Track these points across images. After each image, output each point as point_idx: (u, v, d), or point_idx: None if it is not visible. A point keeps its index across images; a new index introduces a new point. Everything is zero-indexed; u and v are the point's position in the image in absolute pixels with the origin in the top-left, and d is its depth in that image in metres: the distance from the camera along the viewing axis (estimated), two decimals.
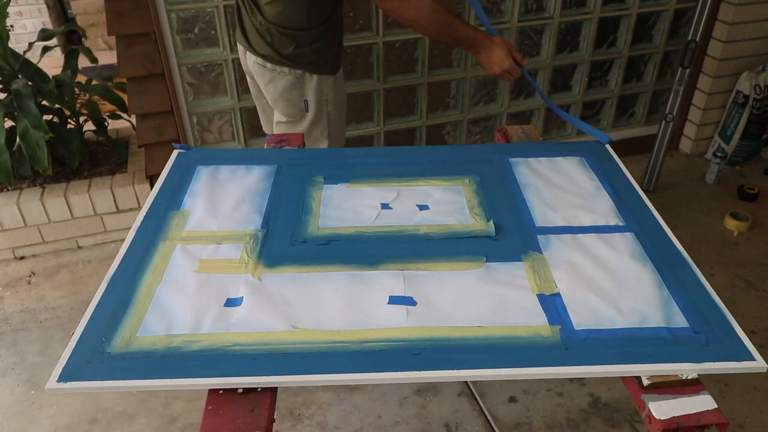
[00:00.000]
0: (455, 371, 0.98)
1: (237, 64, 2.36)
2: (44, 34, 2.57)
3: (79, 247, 2.50)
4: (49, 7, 4.70)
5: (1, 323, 2.12)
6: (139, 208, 2.28)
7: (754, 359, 1.00)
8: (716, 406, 0.94)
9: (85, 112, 2.62)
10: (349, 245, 1.25)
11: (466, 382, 1.87)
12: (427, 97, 2.66)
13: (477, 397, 1.83)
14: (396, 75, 2.58)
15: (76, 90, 2.57)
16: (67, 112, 2.59)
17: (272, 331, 1.05)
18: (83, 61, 2.72)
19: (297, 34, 1.63)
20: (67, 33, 4.47)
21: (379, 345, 1.02)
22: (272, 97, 1.77)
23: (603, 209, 1.36)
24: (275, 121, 1.84)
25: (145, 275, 1.17)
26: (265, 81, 1.74)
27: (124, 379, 0.96)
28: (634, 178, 1.49)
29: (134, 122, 2.53)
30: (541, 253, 1.23)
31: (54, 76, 2.48)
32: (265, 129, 2.08)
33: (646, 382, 0.97)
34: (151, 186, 2.48)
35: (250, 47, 1.71)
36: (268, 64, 1.69)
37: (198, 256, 1.22)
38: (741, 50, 2.88)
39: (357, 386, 1.86)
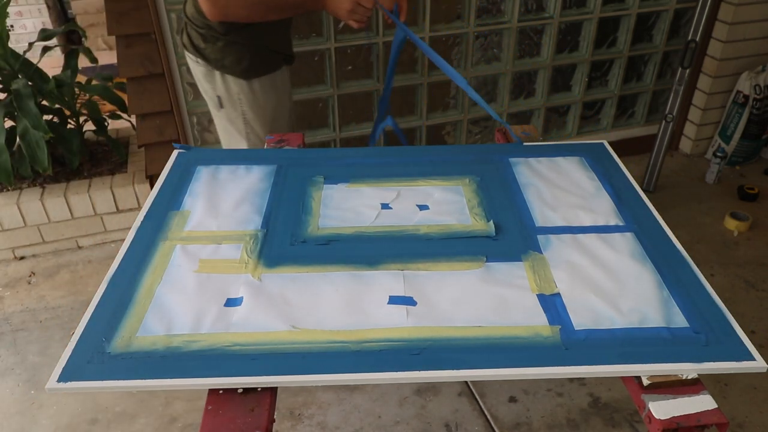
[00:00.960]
0: (455, 371, 0.98)
1: None
2: (44, 34, 2.57)
3: (79, 247, 2.50)
4: (49, 7, 4.70)
5: (1, 323, 2.12)
6: (139, 208, 2.28)
7: (754, 359, 1.00)
8: (716, 406, 0.94)
9: (85, 112, 2.62)
10: (349, 245, 1.25)
11: (466, 382, 1.87)
12: (427, 97, 2.66)
13: (477, 397, 1.83)
14: (396, 75, 2.58)
15: (76, 90, 2.57)
16: (67, 112, 2.59)
17: (272, 331, 1.05)
18: (83, 61, 2.72)
19: (201, 29, 1.65)
20: (67, 33, 4.48)
21: (379, 345, 1.02)
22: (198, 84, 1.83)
23: (603, 209, 1.36)
24: None
25: (145, 275, 1.17)
26: (191, 66, 1.79)
27: (124, 379, 0.96)
28: (634, 178, 1.49)
29: (134, 122, 2.53)
30: (541, 253, 1.23)
31: (54, 76, 2.48)
32: None
33: (646, 382, 0.97)
34: (151, 186, 2.48)
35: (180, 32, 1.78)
36: (186, 52, 1.75)
37: (198, 256, 1.22)
38: (741, 50, 2.87)
39: (357, 386, 1.86)
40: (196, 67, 1.74)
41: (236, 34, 1.64)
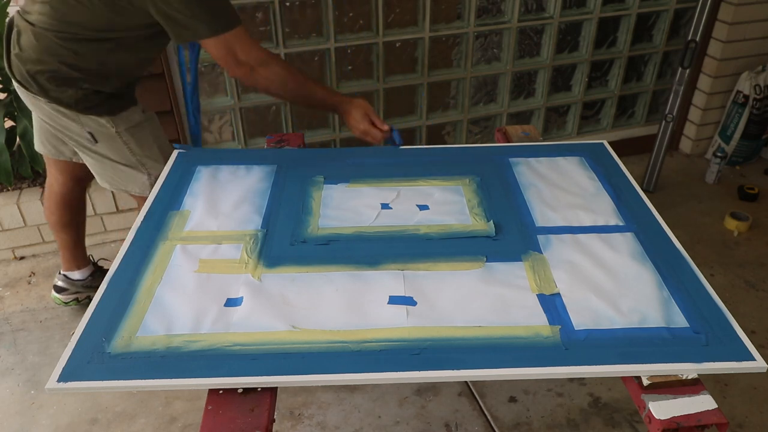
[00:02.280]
0: (455, 371, 0.98)
1: None
2: None
3: None
4: None
5: (1, 323, 2.12)
6: (139, 208, 2.28)
7: (754, 359, 1.00)
8: (716, 406, 0.94)
9: None
10: (349, 245, 1.25)
11: (466, 382, 1.87)
12: (427, 97, 2.66)
13: (477, 397, 1.83)
14: (396, 75, 2.58)
15: None
16: None
17: (272, 331, 1.05)
18: None
19: (54, 77, 1.52)
20: None
21: (379, 345, 1.02)
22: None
23: (603, 209, 1.37)
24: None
25: (145, 275, 1.17)
26: (43, 110, 1.63)
27: (124, 379, 0.96)
28: (634, 178, 1.49)
29: None
30: (541, 253, 1.23)
31: None
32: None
33: (646, 382, 0.97)
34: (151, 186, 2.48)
35: None
36: (37, 99, 1.60)
37: (198, 256, 1.22)
38: (741, 50, 2.87)
39: (357, 386, 1.86)
40: (52, 112, 1.58)
41: (93, 83, 1.54)
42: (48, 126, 1.67)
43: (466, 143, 2.86)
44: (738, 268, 2.37)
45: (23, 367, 1.95)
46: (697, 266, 1.20)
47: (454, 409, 1.80)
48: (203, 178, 1.48)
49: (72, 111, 1.57)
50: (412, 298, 1.11)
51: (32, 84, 1.54)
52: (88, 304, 1.12)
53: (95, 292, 1.14)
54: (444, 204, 1.39)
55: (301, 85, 1.55)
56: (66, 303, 2.12)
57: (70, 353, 1.01)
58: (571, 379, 1.88)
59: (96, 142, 1.64)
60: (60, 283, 2.10)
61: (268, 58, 1.49)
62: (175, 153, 1.60)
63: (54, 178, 1.91)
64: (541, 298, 1.12)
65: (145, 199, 1.55)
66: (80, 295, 2.12)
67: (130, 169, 1.71)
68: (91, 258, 2.16)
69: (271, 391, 0.98)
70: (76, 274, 2.09)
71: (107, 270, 1.22)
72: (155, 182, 1.67)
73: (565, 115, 3.00)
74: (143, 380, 0.96)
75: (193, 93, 1.93)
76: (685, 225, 2.62)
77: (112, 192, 2.44)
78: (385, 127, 1.60)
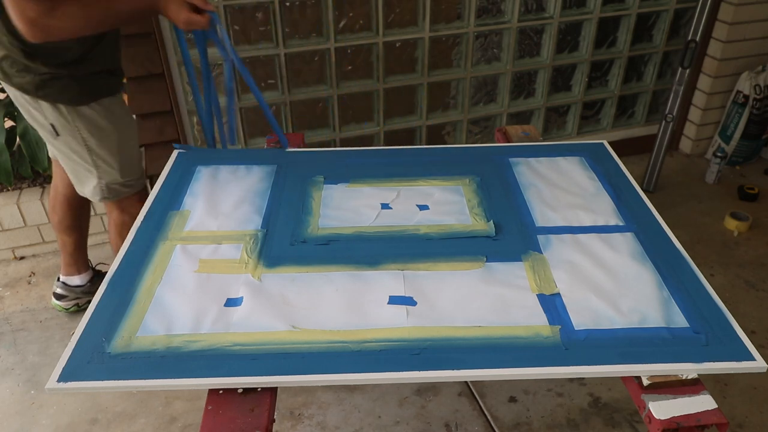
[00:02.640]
0: (455, 371, 0.98)
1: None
2: None
3: None
4: None
5: (1, 323, 2.12)
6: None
7: (754, 359, 1.00)
8: (716, 406, 0.94)
9: None
10: (349, 245, 1.25)
11: (466, 382, 1.87)
12: (427, 97, 2.66)
13: (477, 397, 1.83)
14: (396, 75, 2.58)
15: None
16: None
17: (272, 331, 1.05)
18: None
19: (17, 61, 1.50)
20: None
21: (379, 345, 1.02)
22: None
23: (603, 209, 1.37)
24: None
25: (145, 275, 1.17)
26: (11, 96, 1.62)
27: (124, 379, 0.96)
28: (634, 178, 1.49)
29: None
30: (541, 253, 1.23)
31: None
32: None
33: (646, 382, 0.97)
34: (151, 186, 2.48)
35: None
36: (4, 83, 1.58)
37: (198, 256, 1.22)
38: (741, 50, 2.87)
39: (357, 386, 1.86)
40: (19, 98, 1.57)
41: (55, 66, 1.50)
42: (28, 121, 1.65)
43: (466, 143, 2.86)
44: (738, 268, 2.37)
45: (23, 367, 1.95)
46: (697, 266, 1.20)
47: (454, 409, 1.80)
48: (203, 178, 1.48)
49: (32, 98, 1.53)
50: (412, 298, 1.11)
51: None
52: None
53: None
54: (444, 204, 1.39)
55: (103, 8, 1.37)
56: (67, 309, 2.12)
57: (70, 353, 1.01)
58: (571, 379, 1.88)
59: (57, 135, 1.60)
60: (59, 291, 2.10)
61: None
62: (175, 153, 1.60)
63: (59, 178, 1.91)
64: (541, 298, 1.12)
65: (113, 204, 1.53)
66: (80, 300, 2.12)
67: (84, 170, 1.66)
68: (89, 263, 2.16)
69: (271, 391, 0.98)
70: (75, 280, 2.09)
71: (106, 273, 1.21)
72: (107, 193, 1.66)
73: (565, 115, 3.00)
74: (143, 380, 0.96)
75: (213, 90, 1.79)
76: (685, 225, 2.62)
77: None
78: (209, 6, 1.47)
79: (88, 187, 1.70)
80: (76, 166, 1.67)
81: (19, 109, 1.62)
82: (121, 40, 1.70)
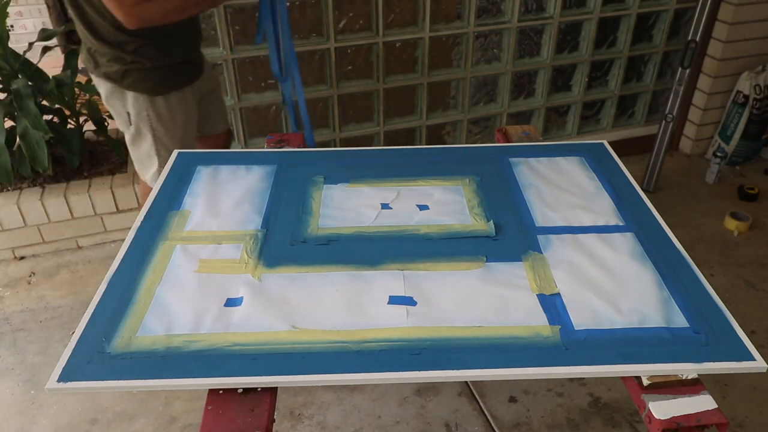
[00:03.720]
0: (455, 371, 0.98)
1: (237, 64, 2.36)
2: (44, 34, 2.57)
3: (79, 247, 2.50)
4: (49, 7, 4.69)
5: (1, 323, 2.12)
6: (139, 208, 2.28)
7: (754, 359, 1.00)
8: (716, 406, 0.94)
9: (85, 112, 2.61)
10: (349, 245, 1.25)
11: (466, 382, 1.87)
12: (427, 97, 2.66)
13: (477, 397, 1.83)
14: (396, 75, 2.58)
15: (76, 90, 2.57)
16: (67, 112, 2.58)
17: (272, 331, 1.05)
18: None
19: (103, 51, 1.63)
20: (67, 33, 4.44)
21: (379, 345, 1.02)
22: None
23: (603, 209, 1.36)
24: None
25: (145, 275, 1.17)
26: (96, 85, 1.75)
27: (124, 379, 0.96)
28: (634, 178, 1.49)
29: None
30: (541, 253, 1.23)
31: (54, 76, 2.48)
32: None
33: (646, 382, 0.97)
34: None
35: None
36: (91, 74, 1.72)
37: (198, 256, 1.22)
38: (741, 50, 2.87)
39: (357, 386, 1.86)
40: (103, 86, 1.71)
41: (139, 54, 1.64)
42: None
43: (466, 143, 2.87)
44: (738, 268, 2.37)
45: (23, 367, 1.96)
46: (697, 266, 1.20)
47: (454, 409, 1.80)
48: (203, 178, 1.48)
49: (117, 86, 1.68)
50: (412, 298, 1.11)
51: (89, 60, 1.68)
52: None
53: None
54: (444, 204, 1.39)
55: None
56: None
57: (70, 353, 1.01)
58: (571, 379, 1.88)
59: (130, 123, 1.73)
60: None
61: None
62: (175, 153, 1.60)
63: None
64: (541, 298, 1.12)
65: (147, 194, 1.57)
66: None
67: (147, 156, 1.80)
68: None
69: (271, 391, 0.98)
70: None
71: None
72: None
73: (565, 115, 3.00)
74: (143, 380, 0.96)
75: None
76: (685, 225, 2.63)
77: (113, 192, 2.45)
78: None
79: (149, 173, 1.83)
80: (141, 153, 1.80)
81: (102, 98, 1.76)
82: (197, 38, 1.82)
